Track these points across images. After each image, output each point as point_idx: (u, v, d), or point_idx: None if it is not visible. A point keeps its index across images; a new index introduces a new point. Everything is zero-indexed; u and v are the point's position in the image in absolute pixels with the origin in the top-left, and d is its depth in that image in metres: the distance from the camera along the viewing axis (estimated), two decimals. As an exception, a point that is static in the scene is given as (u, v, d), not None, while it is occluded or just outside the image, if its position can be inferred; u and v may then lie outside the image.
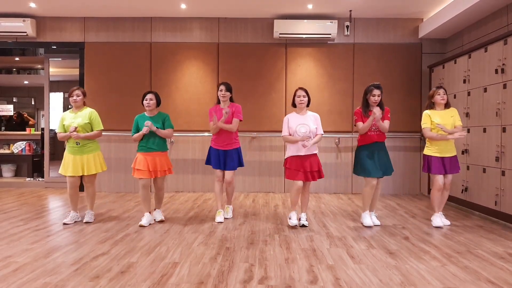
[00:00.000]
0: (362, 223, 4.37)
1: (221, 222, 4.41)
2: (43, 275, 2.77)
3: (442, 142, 4.28)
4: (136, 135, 4.30)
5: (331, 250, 3.45)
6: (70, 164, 4.29)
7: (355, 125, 4.45)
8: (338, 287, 2.63)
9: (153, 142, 4.29)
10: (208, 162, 4.61)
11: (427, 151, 4.40)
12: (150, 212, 4.36)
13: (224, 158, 4.50)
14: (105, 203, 5.58)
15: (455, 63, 5.55)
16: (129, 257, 3.20)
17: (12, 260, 3.10)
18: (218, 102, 4.56)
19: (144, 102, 4.34)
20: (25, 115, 8.84)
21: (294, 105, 4.33)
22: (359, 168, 4.32)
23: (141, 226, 4.20)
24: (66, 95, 8.01)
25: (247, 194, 6.46)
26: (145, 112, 4.41)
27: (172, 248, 3.46)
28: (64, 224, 4.28)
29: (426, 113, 4.39)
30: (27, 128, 8.15)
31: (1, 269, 2.90)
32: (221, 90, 4.45)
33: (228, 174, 4.52)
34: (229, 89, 4.46)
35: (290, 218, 4.29)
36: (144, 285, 2.62)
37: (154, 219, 4.44)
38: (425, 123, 4.36)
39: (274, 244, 3.60)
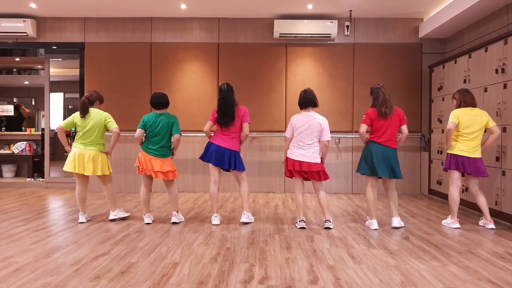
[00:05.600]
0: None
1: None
2: (43, 276, 2.77)
3: None
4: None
5: (332, 250, 3.45)
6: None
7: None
8: (339, 287, 2.63)
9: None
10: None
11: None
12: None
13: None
14: (105, 203, 5.58)
15: (455, 63, 5.54)
16: (129, 257, 3.20)
17: (13, 260, 3.10)
18: None
19: None
20: (22, 107, 8.65)
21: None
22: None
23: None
24: (67, 95, 8.03)
25: (247, 194, 6.45)
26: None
27: (172, 248, 3.46)
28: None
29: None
30: (28, 129, 8.14)
31: (2, 269, 2.90)
32: None
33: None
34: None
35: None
36: (145, 285, 2.62)
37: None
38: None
39: (275, 244, 3.60)
